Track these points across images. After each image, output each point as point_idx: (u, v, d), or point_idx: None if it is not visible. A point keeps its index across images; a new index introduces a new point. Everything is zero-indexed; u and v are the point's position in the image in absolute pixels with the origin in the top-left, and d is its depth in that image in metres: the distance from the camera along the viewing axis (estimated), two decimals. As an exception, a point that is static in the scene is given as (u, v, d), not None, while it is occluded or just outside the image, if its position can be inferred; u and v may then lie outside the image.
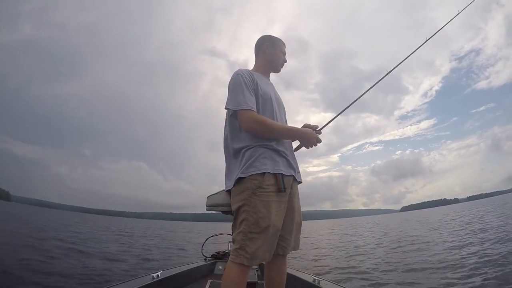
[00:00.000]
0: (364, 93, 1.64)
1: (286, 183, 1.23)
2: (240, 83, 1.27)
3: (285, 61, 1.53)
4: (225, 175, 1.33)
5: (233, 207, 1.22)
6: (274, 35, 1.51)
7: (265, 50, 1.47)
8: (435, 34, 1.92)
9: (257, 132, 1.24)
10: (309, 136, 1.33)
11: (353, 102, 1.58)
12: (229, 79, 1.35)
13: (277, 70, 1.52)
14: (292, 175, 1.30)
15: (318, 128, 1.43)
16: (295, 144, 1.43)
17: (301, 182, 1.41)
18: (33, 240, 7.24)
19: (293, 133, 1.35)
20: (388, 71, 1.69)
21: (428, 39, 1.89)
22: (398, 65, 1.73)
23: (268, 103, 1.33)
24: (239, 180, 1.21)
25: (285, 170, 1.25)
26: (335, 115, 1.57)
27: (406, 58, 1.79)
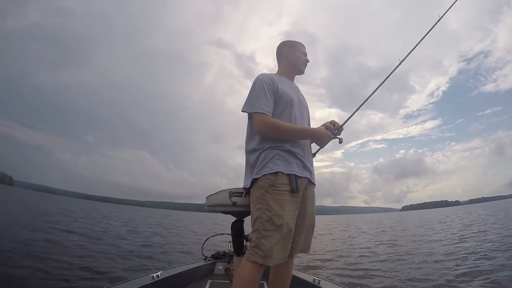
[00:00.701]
0: (378, 87, 1.67)
1: (299, 184, 1.23)
2: (259, 87, 1.30)
3: (307, 61, 1.54)
4: (244, 174, 1.36)
5: (250, 207, 1.26)
6: (293, 39, 1.55)
7: (286, 55, 1.50)
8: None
9: (267, 135, 1.27)
10: (321, 135, 1.34)
11: (368, 97, 1.62)
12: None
13: (300, 71, 1.53)
14: (306, 177, 1.30)
15: (340, 125, 1.44)
16: (315, 148, 1.44)
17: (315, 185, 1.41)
18: (35, 225, 7.37)
19: (305, 133, 1.35)
20: (401, 60, 1.69)
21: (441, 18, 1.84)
22: (411, 51, 1.70)
23: (288, 106, 1.33)
24: (254, 181, 1.25)
25: (299, 172, 1.25)
26: (353, 112, 1.58)
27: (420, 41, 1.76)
